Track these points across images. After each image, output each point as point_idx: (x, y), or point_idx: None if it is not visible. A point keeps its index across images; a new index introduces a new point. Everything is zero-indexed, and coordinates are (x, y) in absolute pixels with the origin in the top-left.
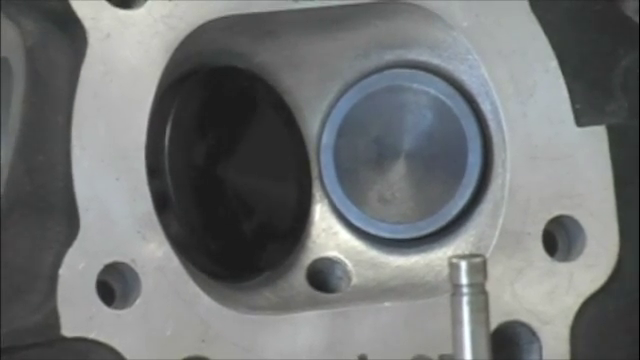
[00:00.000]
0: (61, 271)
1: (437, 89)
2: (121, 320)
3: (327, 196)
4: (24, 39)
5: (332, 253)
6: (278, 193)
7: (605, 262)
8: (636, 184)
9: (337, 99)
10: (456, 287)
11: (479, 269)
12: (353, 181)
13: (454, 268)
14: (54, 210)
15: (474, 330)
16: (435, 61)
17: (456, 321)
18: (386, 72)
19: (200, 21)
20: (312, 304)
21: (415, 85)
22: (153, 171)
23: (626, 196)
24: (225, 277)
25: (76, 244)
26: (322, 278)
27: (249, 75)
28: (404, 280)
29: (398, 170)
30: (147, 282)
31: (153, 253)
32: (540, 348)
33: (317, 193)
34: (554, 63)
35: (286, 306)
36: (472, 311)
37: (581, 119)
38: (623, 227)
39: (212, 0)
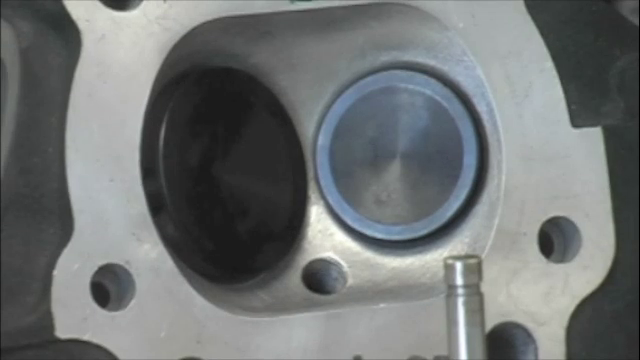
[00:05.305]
0: (55, 272)
1: (433, 90)
2: (115, 321)
3: (323, 197)
4: (19, 40)
5: (328, 254)
6: (273, 194)
7: (601, 263)
8: (632, 185)
9: (333, 100)
10: (451, 288)
11: (474, 270)
12: (349, 182)
13: (449, 269)
14: (48, 211)
15: (469, 331)
16: (431, 62)
17: (451, 322)
18: (382, 73)
19: (195, 22)
20: (307, 305)
21: (411, 86)
22: (148, 172)
23: (622, 197)
24: (220, 278)
25: (70, 245)
26: (318, 279)
27: (244, 76)
28: (400, 281)
29: (394, 171)
30: (141, 283)
31: (147, 254)
32: (536, 349)
33: (313, 194)
34: (549, 64)
35: (281, 307)
36: (467, 312)
37: (577, 120)
38: (619, 228)
39: (207, 1)
